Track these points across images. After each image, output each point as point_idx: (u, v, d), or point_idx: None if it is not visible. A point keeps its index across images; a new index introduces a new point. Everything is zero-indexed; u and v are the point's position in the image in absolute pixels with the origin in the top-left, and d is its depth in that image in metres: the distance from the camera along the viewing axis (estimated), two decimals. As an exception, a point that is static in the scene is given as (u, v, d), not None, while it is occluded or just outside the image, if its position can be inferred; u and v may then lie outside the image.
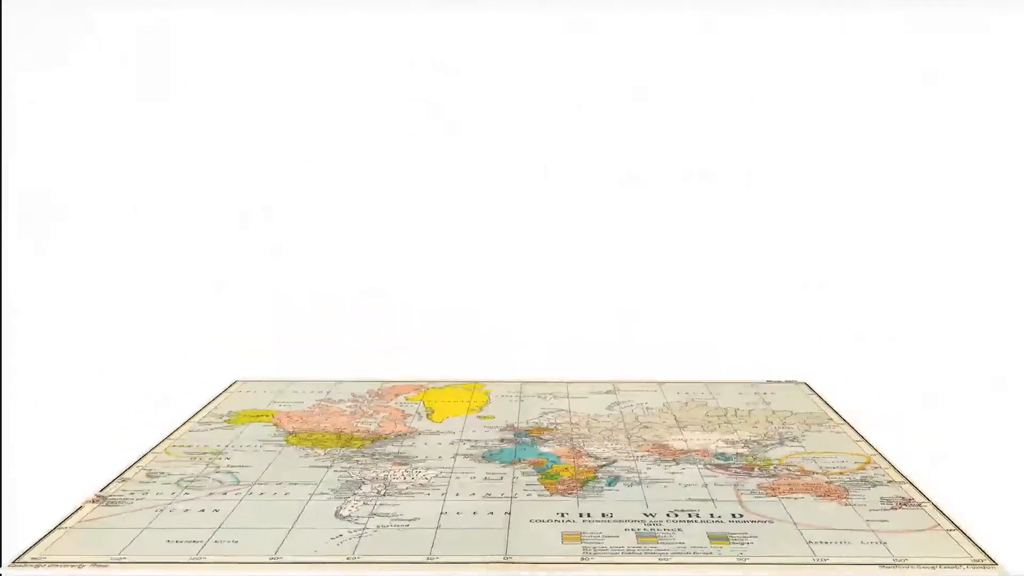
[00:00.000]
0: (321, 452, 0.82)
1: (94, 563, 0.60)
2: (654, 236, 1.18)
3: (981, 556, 0.61)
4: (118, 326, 1.14)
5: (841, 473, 0.77)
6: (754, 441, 0.85)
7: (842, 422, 0.91)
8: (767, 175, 1.18)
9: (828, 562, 0.61)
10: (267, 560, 0.60)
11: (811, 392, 1.02)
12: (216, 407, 0.96)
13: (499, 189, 1.18)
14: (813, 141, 1.17)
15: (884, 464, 0.79)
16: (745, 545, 0.63)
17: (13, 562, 0.60)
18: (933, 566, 0.60)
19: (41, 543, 0.63)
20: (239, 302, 1.16)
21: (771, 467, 0.79)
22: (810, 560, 0.61)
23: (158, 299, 1.16)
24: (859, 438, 0.86)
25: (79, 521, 0.67)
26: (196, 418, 0.93)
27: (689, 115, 1.16)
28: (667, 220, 1.18)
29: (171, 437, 0.86)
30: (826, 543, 0.63)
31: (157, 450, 0.83)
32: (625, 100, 1.16)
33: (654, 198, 1.17)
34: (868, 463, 0.80)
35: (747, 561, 0.60)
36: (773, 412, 0.94)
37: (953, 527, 0.66)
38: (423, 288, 1.17)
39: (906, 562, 0.60)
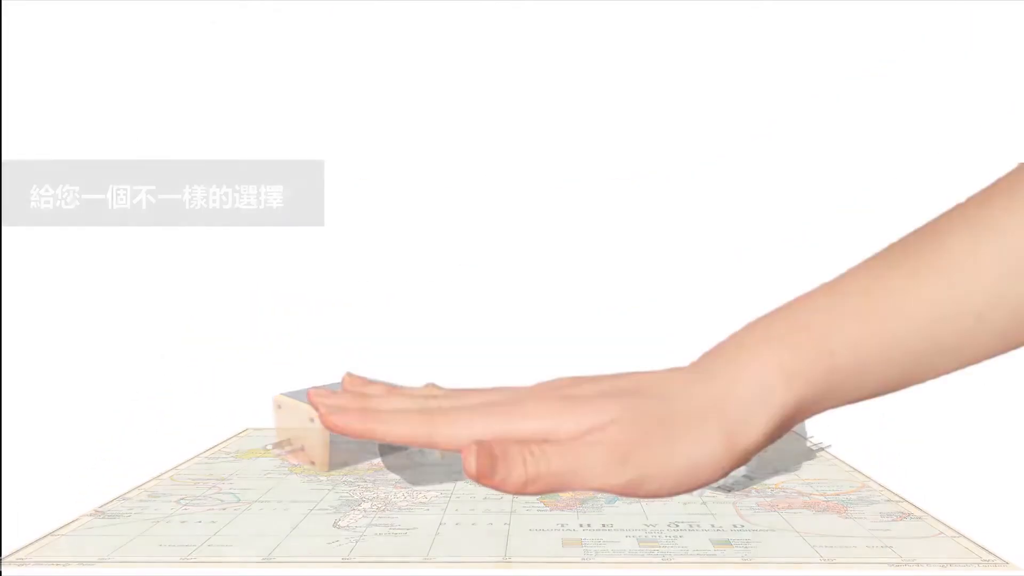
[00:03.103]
0: (324, 478, 0.74)
1: (80, 563, 0.52)
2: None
3: (991, 557, 0.53)
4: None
5: (837, 494, 0.69)
6: (748, 477, 0.77)
7: (833, 457, 0.83)
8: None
9: (836, 562, 0.52)
10: (259, 560, 0.52)
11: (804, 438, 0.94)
12: (225, 447, 0.88)
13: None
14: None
15: (878, 487, 0.71)
16: (749, 548, 0.55)
17: None
18: (944, 564, 0.52)
19: (30, 546, 0.55)
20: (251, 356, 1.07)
21: (768, 490, 0.70)
22: (817, 560, 0.53)
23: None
24: (851, 468, 0.78)
25: (73, 530, 0.59)
26: (204, 454, 0.85)
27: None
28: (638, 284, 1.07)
29: (177, 468, 0.78)
30: (831, 547, 0.55)
31: (163, 477, 0.75)
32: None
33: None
34: (862, 487, 0.71)
35: (752, 561, 0.52)
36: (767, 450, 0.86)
37: (957, 534, 0.58)
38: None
39: (916, 562, 0.52)
